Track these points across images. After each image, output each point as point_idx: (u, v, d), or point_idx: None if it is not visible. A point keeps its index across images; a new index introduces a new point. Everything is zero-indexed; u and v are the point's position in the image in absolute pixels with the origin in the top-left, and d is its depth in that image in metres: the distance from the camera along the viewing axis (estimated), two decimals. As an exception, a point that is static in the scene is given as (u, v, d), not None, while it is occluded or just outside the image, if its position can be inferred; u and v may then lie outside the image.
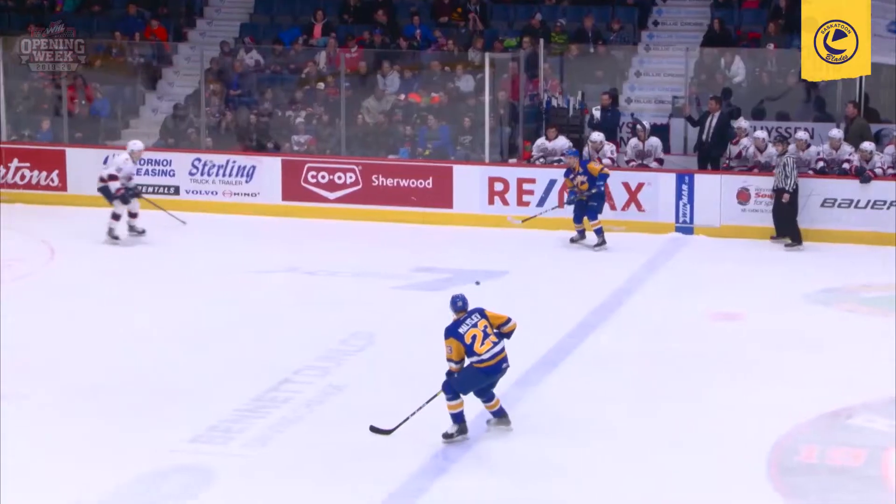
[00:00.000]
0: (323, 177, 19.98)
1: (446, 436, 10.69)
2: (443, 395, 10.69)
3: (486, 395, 10.84)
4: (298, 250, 17.42)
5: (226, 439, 10.82)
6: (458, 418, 10.71)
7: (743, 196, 18.58)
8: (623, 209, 18.90)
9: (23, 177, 20.78)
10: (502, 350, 10.69)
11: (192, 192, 20.19)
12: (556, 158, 19.31)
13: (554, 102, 20.67)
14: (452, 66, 21.56)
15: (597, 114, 20.00)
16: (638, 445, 10.71)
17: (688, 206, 18.79)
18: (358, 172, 19.88)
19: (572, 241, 18.09)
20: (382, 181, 19.80)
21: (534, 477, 10.13)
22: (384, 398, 11.48)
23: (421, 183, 19.65)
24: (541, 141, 19.70)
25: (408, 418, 10.75)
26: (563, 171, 18.16)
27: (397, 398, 11.19)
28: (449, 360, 10.59)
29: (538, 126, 20.55)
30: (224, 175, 20.26)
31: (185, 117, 21.69)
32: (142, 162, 20.34)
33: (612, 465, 10.30)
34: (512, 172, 19.30)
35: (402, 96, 21.30)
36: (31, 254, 17.47)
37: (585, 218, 17.89)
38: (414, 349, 13.23)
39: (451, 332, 10.61)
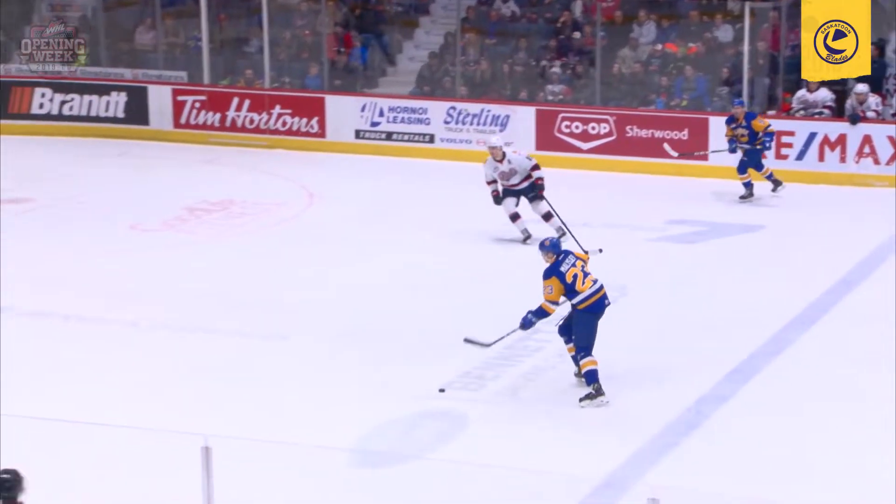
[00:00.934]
0: (577, 127, 19.91)
1: (589, 396, 10.48)
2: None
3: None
4: (552, 200, 17.40)
5: (478, 386, 10.96)
6: (593, 377, 10.46)
7: None
8: (888, 163, 18.27)
9: (284, 123, 21.30)
10: (601, 287, 10.54)
11: (447, 140, 20.37)
12: (817, 111, 18.79)
13: (815, 53, 20.06)
14: (711, 15, 21.11)
15: (862, 65, 19.34)
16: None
17: (957, 161, 18.07)
18: (612, 123, 19.73)
19: (741, 198, 17.59)
20: (636, 132, 19.61)
21: (784, 439, 9.95)
22: (634, 350, 11.43)
23: (676, 134, 19.37)
24: (801, 93, 19.19)
25: (506, 335, 10.86)
26: (727, 118, 17.77)
27: (648, 350, 11.10)
28: (549, 300, 10.51)
29: (798, 77, 19.92)
30: (478, 124, 20.37)
31: (441, 66, 21.87)
32: (398, 110, 20.71)
33: (870, 430, 10.04)
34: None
35: (659, 46, 20.99)
36: (291, 198, 17.93)
37: (751, 169, 17.48)
38: (666, 301, 13.13)
39: (553, 271, 10.50)
